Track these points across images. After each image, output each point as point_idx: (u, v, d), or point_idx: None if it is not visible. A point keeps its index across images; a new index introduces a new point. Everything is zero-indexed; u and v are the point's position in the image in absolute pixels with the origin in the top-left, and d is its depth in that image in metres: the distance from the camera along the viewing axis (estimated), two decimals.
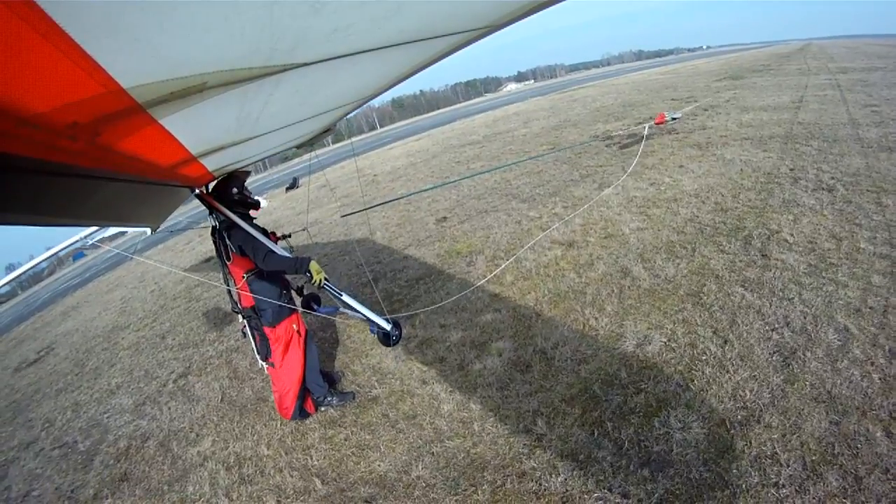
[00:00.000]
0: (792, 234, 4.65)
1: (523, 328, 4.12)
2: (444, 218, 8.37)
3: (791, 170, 6.63)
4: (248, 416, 4.03)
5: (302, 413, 3.58)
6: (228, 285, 3.30)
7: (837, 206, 5.15)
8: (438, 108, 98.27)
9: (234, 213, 3.08)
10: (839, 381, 2.78)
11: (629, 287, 4.35)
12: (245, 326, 3.36)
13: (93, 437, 4.61)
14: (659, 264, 4.63)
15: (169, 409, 4.64)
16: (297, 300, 3.66)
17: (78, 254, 42.05)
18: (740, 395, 2.84)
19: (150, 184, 1.92)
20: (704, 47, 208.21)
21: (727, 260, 4.43)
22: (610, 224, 5.95)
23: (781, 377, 2.91)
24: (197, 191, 3.07)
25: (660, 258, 4.74)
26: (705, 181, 6.78)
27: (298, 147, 4.00)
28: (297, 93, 1.59)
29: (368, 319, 3.26)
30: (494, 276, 5.22)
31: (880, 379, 2.73)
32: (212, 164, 2.38)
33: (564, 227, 6.19)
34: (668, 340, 3.49)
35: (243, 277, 3.16)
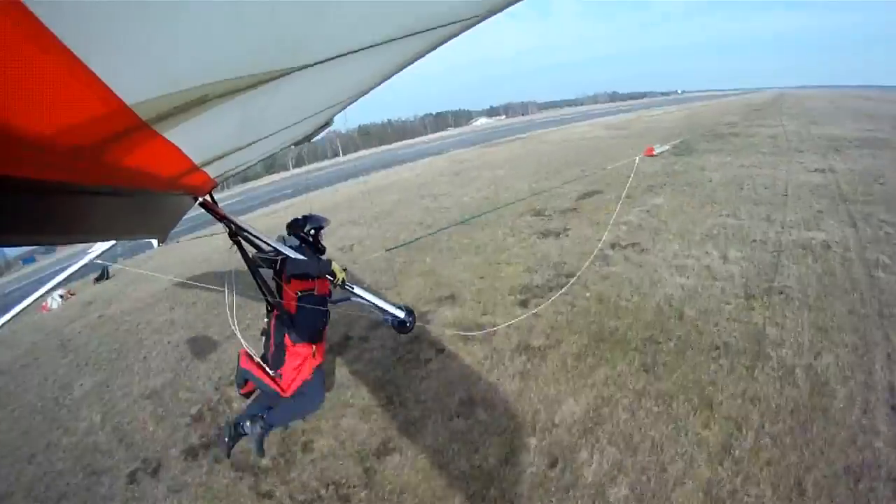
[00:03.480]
0: None
1: None
2: None
3: None
4: None
5: (265, 436, 3.41)
6: (270, 288, 3.26)
7: None
8: (405, 139, 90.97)
9: (297, 249, 3.18)
10: None
11: None
12: (269, 324, 3.25)
13: None
14: None
15: None
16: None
17: (29, 258, 38.41)
18: None
19: (153, 195, 1.90)
20: (679, 91, 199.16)
21: None
22: None
23: None
24: (200, 199, 2.89)
25: None
26: None
27: (295, 144, 3.83)
28: (298, 94, 1.56)
29: (381, 309, 3.25)
30: None
31: None
32: (214, 171, 2.34)
33: None
34: None
35: (297, 294, 3.13)
